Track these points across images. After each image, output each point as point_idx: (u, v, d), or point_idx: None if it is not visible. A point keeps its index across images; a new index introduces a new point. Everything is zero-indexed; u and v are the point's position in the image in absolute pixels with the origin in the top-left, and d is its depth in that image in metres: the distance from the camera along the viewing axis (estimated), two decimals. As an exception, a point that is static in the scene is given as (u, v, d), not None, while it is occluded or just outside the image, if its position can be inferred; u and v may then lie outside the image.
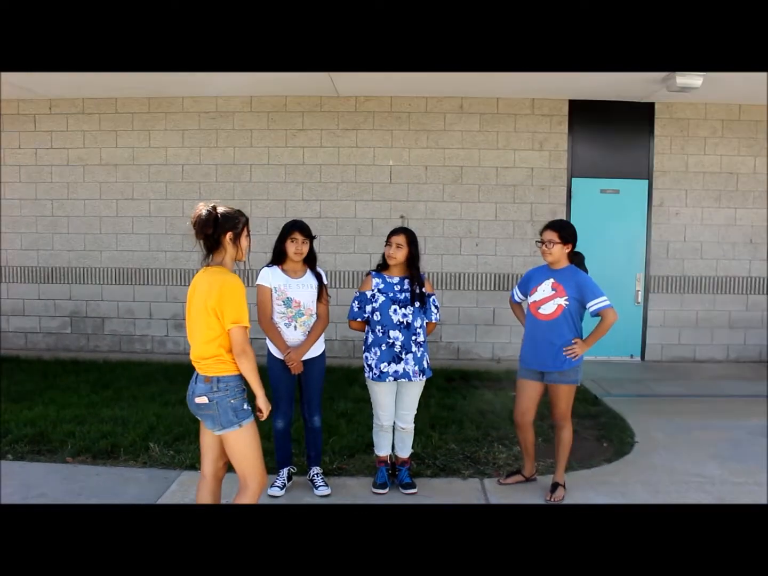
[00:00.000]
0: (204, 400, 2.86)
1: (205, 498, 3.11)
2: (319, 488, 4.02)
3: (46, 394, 5.99)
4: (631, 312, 7.88)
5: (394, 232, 4.02)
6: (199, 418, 2.98)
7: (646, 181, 7.83)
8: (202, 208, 2.86)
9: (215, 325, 2.83)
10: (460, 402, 5.99)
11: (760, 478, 4.30)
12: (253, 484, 2.91)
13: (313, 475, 4.10)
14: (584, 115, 7.76)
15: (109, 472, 4.37)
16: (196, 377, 2.91)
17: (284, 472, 4.08)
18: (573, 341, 3.91)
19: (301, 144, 7.87)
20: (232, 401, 2.85)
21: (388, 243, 4.00)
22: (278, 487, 4.01)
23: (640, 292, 7.89)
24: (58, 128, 7.99)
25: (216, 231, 2.85)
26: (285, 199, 7.92)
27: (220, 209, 2.88)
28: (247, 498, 2.92)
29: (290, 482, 4.12)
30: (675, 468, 4.51)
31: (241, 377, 2.89)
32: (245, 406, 2.89)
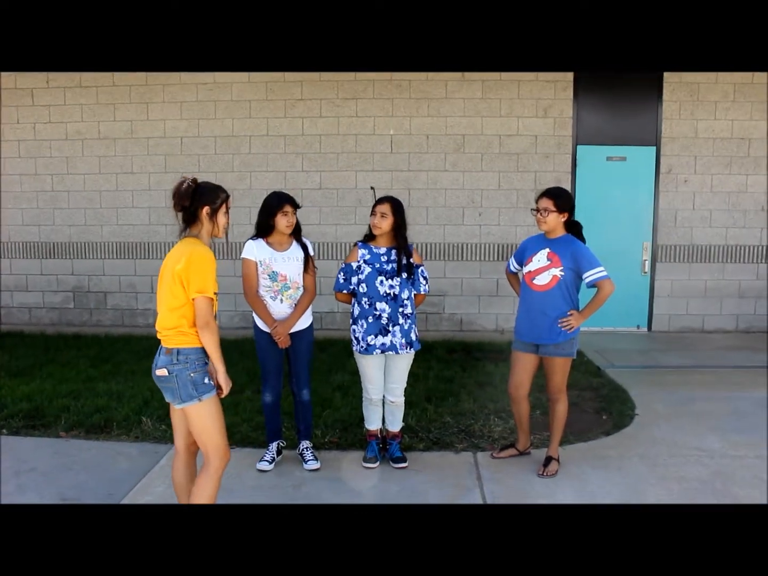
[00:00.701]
0: (164, 372, 2.80)
1: (179, 472, 3.06)
2: (308, 462, 3.98)
3: (45, 368, 6.00)
4: (637, 282, 7.73)
5: (379, 201, 3.91)
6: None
7: (654, 147, 7.62)
8: (184, 180, 2.80)
9: (180, 294, 2.77)
10: (459, 374, 5.92)
11: (760, 451, 4.20)
12: (215, 460, 2.86)
13: (302, 449, 4.06)
14: (590, 80, 7.54)
15: (100, 446, 4.37)
16: (160, 349, 2.86)
17: (273, 446, 4.05)
18: (568, 313, 3.81)
19: (300, 114, 7.74)
20: (192, 374, 2.78)
21: (373, 212, 3.90)
22: (267, 461, 3.98)
23: (647, 262, 7.73)
24: (55, 102, 7.92)
25: (193, 204, 2.79)
26: (285, 170, 7.81)
27: (202, 183, 2.84)
28: (209, 474, 2.87)
29: (280, 456, 4.09)
30: (675, 441, 4.42)
31: (202, 350, 2.82)
32: (206, 380, 2.82)
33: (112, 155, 7.92)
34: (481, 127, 7.66)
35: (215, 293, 2.84)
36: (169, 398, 2.88)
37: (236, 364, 5.80)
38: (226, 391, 2.91)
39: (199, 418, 2.84)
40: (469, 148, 7.69)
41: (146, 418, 4.66)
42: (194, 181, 2.81)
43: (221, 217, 2.89)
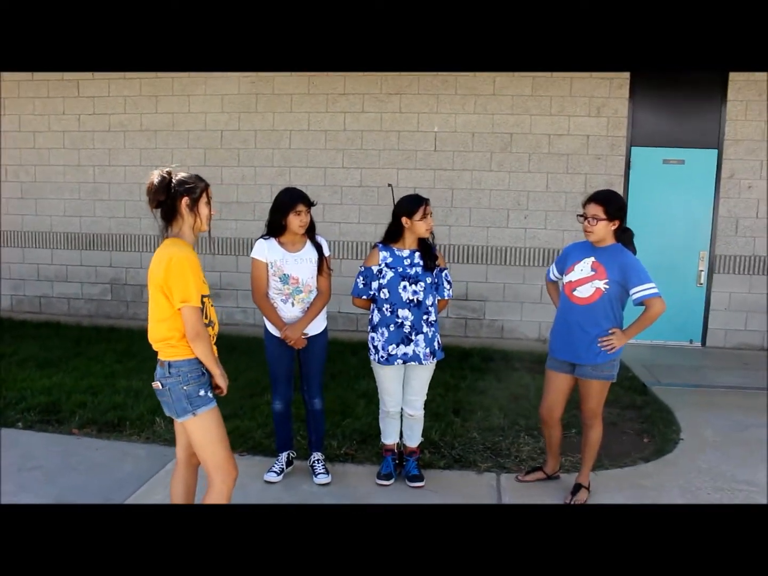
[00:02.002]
0: (158, 385, 2.62)
1: (177, 483, 2.88)
2: (319, 476, 3.75)
3: (72, 361, 5.95)
4: (692, 293, 7.24)
5: (427, 201, 3.64)
6: None
7: (716, 150, 7.11)
8: (157, 174, 2.59)
9: (164, 304, 2.56)
10: (493, 385, 5.60)
11: (819, 488, 3.78)
12: (216, 478, 2.64)
13: (313, 461, 3.83)
14: (648, 77, 7.09)
15: (110, 446, 4.24)
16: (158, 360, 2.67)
17: (283, 456, 3.83)
18: (610, 331, 3.46)
19: (342, 109, 7.52)
20: (185, 388, 2.57)
21: (424, 215, 3.60)
22: (275, 472, 3.76)
23: (703, 272, 7.23)
24: (100, 94, 7.91)
25: (169, 197, 2.57)
26: (325, 166, 7.61)
27: (176, 174, 2.61)
28: (213, 496, 2.64)
29: (290, 467, 3.87)
30: (722, 472, 4.01)
31: (196, 361, 2.61)
32: (201, 393, 2.60)
33: (153, 147, 7.87)
34: (530, 126, 7.30)
35: (206, 296, 2.63)
36: (167, 412, 2.70)
37: (257, 365, 5.60)
38: (225, 389, 2.72)
39: (196, 434, 2.64)
40: (516, 148, 7.34)
41: (159, 418, 4.51)
42: (168, 172, 2.59)
43: (203, 208, 2.66)
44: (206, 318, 2.65)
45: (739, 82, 7.00)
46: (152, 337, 2.65)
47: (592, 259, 3.49)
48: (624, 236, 3.54)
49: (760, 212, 7.12)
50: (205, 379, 2.64)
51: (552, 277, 3.84)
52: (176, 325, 2.57)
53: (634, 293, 3.39)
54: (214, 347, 2.77)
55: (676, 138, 7.13)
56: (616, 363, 3.54)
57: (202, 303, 2.61)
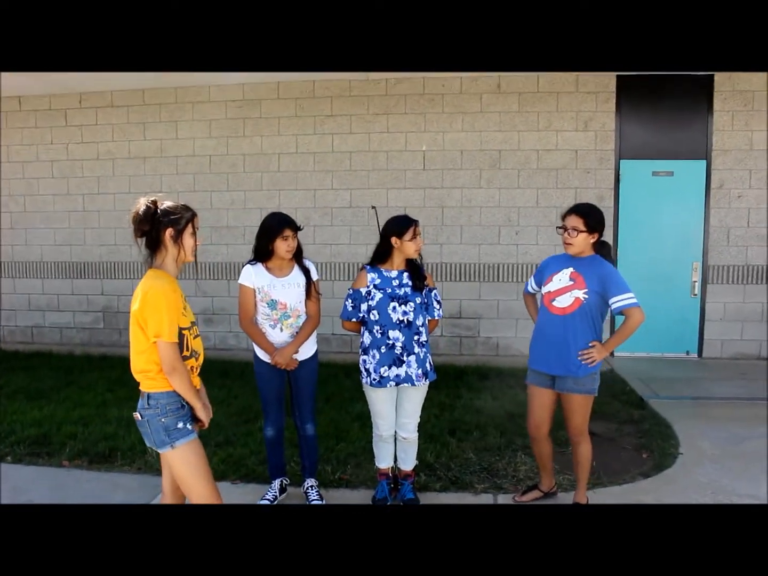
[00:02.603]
0: (138, 416, 2.58)
1: (164, 516, 2.82)
2: (312, 502, 3.68)
3: (63, 391, 5.89)
4: (687, 304, 7.20)
5: (416, 222, 3.62)
6: None
7: (704, 161, 7.13)
8: (142, 203, 2.55)
9: (141, 337, 2.52)
10: (489, 404, 5.55)
11: (822, 500, 3.72)
12: None
13: (307, 488, 3.76)
14: (634, 90, 7.13)
15: (100, 478, 4.16)
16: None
17: (276, 483, 3.77)
18: (590, 344, 3.41)
19: (330, 131, 7.53)
20: (163, 420, 2.53)
21: (414, 236, 3.58)
22: (268, 500, 3.70)
23: (696, 283, 7.20)
24: (87, 122, 7.92)
25: (154, 227, 2.53)
26: (314, 188, 7.61)
27: (162, 204, 2.57)
28: None
29: (284, 494, 3.80)
30: (722, 486, 3.95)
31: (174, 394, 2.56)
32: (180, 425, 2.55)
33: (142, 174, 7.86)
34: (518, 142, 7.31)
35: (187, 327, 2.58)
36: (147, 443, 2.64)
37: (250, 390, 5.53)
38: (206, 422, 2.68)
39: (177, 465, 2.59)
40: (505, 164, 7.35)
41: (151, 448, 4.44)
42: (154, 202, 2.55)
43: (188, 239, 2.62)
44: (187, 350, 2.60)
45: (724, 93, 7.04)
46: (133, 368, 2.60)
47: (571, 269, 3.45)
48: (603, 250, 3.52)
49: (751, 221, 7.12)
50: (185, 412, 2.59)
51: (530, 289, 3.80)
52: (153, 358, 2.52)
53: (613, 303, 3.35)
54: (198, 378, 2.73)
55: (664, 150, 7.15)
56: (597, 377, 3.48)
57: (181, 335, 2.55)
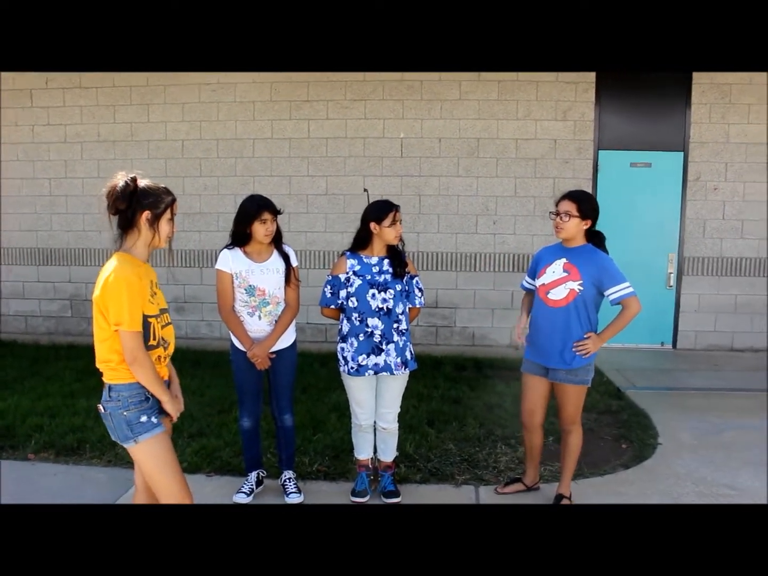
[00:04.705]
0: (101, 408, 2.44)
1: (137, 512, 2.69)
2: (290, 495, 3.58)
3: (28, 382, 5.69)
4: (662, 296, 7.24)
5: (397, 207, 3.51)
6: None
7: (682, 153, 7.13)
8: (120, 178, 2.41)
9: (104, 324, 2.37)
10: (467, 394, 5.49)
11: (801, 490, 3.73)
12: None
13: (284, 480, 3.66)
14: (613, 81, 7.09)
15: (68, 471, 4.02)
16: None
17: (252, 476, 3.66)
18: (585, 335, 3.36)
19: (306, 116, 7.38)
20: (125, 413, 2.39)
21: (394, 222, 3.47)
22: (244, 493, 3.58)
23: (672, 275, 7.23)
24: (54, 104, 7.65)
25: (130, 207, 2.39)
26: (290, 174, 7.45)
27: (142, 182, 2.43)
28: None
29: (260, 487, 3.70)
30: (702, 477, 3.95)
31: (137, 386, 2.41)
32: (143, 419, 2.40)
33: (112, 158, 7.62)
34: (497, 131, 7.24)
35: (154, 315, 2.45)
36: (112, 437, 2.49)
37: (223, 380, 5.40)
38: (175, 416, 2.54)
39: (143, 461, 2.46)
40: (483, 153, 7.28)
41: (120, 440, 4.29)
42: (133, 179, 2.41)
43: (164, 225, 2.48)
44: (154, 339, 2.46)
45: (702, 86, 7.04)
46: (96, 357, 2.46)
47: (564, 260, 3.41)
48: (595, 239, 3.47)
49: (726, 214, 7.15)
50: (149, 405, 2.44)
51: (525, 284, 3.72)
52: (116, 347, 2.38)
53: (610, 293, 3.32)
54: (166, 369, 2.59)
55: (642, 141, 7.14)
56: (591, 368, 3.45)
57: (147, 324, 2.42)
